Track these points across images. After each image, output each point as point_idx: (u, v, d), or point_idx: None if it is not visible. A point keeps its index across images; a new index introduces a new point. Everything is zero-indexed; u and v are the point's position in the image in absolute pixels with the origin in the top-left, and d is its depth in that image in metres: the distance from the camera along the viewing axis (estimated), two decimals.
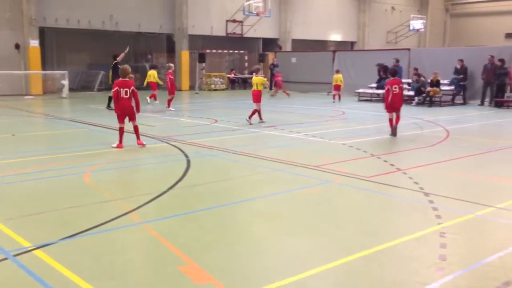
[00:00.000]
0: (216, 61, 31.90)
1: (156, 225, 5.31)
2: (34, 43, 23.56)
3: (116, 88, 9.65)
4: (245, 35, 30.96)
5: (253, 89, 13.82)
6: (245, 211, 5.96)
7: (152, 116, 15.35)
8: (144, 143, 9.96)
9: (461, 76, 20.00)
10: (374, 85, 22.59)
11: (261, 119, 13.79)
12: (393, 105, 11.68)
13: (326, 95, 24.90)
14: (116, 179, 7.68)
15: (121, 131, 9.80)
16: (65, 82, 22.77)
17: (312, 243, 4.83)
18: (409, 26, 38.59)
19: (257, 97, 13.65)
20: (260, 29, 31.47)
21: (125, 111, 9.78)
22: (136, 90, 9.86)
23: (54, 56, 27.41)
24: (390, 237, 4.95)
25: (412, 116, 15.51)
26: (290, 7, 32.83)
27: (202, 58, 28.57)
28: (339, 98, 21.49)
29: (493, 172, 8.14)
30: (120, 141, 9.76)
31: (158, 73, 19.94)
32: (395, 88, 11.66)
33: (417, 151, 9.97)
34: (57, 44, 27.35)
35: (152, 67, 19.99)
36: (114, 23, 25.76)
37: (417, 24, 39.20)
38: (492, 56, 19.17)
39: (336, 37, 36.62)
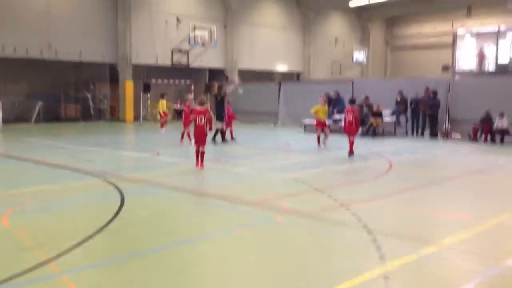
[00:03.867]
0: (162, 91, 31.30)
1: (76, 277, 4.75)
2: None
3: (193, 116, 11.09)
4: (191, 66, 30.70)
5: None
6: (177, 256, 5.49)
7: (92, 151, 14.60)
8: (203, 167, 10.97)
9: (402, 107, 20.49)
10: None
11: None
12: (347, 130, 13.68)
13: (273, 126, 24.88)
14: (39, 222, 6.99)
15: (197, 153, 11.10)
16: None
17: None
18: (352, 57, 39.71)
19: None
20: (206, 59, 31.34)
21: (200, 136, 11.05)
22: (210, 117, 11.19)
23: None
24: (334, 282, 4.64)
25: (356, 146, 15.55)
26: (236, 37, 33.01)
27: (147, 88, 28.01)
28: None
29: (434, 205, 8.08)
30: (197, 161, 11.03)
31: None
32: (350, 115, 13.65)
33: (361, 184, 9.86)
34: None
35: (162, 96, 20.43)
36: (53, 52, 24.85)
37: (359, 56, 40.44)
38: (427, 88, 19.79)
39: (282, 67, 37.08)
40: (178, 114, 30.52)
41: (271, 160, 13.17)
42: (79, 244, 5.65)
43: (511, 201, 8.30)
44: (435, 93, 19.55)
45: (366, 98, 20.20)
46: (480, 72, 35.35)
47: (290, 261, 5.32)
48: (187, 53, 30.07)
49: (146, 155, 13.41)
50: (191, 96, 17.79)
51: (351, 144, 13.55)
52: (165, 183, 9.33)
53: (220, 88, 17.80)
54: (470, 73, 35.65)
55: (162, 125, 20.27)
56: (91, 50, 26.23)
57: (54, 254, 5.28)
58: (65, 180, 9.31)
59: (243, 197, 8.20)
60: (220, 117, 16.60)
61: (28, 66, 25.74)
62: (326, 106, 16.36)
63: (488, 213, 7.41)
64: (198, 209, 7.59)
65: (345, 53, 40.48)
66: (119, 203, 7.65)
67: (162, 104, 20.37)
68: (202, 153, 11.14)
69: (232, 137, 17.34)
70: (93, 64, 27.12)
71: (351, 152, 13.48)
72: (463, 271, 5.10)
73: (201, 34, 29.33)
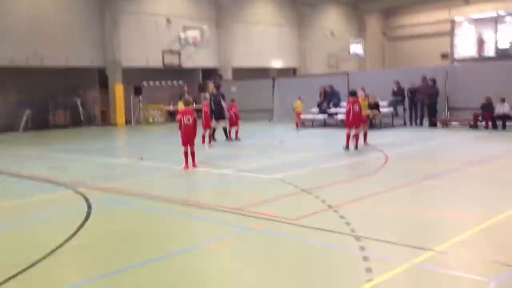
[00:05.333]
0: (154, 94, 30.63)
1: None
2: None
3: (180, 116, 10.80)
4: (183, 66, 30.00)
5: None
6: (135, 278, 4.79)
7: (72, 158, 13.92)
8: (197, 165, 10.80)
9: (399, 97, 19.75)
10: (315, 110, 22.04)
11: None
12: (353, 123, 12.86)
13: (269, 123, 24.18)
14: None
15: (186, 154, 10.80)
16: None
17: None
18: (348, 50, 38.93)
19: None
20: (199, 59, 30.62)
21: (188, 137, 10.75)
22: (196, 117, 10.90)
23: None
24: None
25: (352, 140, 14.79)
26: (229, 35, 32.27)
27: (138, 91, 27.37)
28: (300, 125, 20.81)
29: (430, 203, 7.34)
30: (186, 163, 10.78)
31: None
32: (355, 107, 12.93)
33: (353, 182, 9.15)
34: None
35: (180, 98, 19.72)
36: (39, 59, 24.17)
37: (356, 48, 39.64)
38: (425, 77, 19.06)
39: (277, 64, 36.32)
40: (171, 115, 29.87)
41: (261, 159, 12.46)
42: (22, 271, 4.95)
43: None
44: (433, 81, 18.80)
45: (362, 89, 19.38)
46: (480, 58, 34.61)
47: (261, 276, 4.61)
48: (178, 54, 29.36)
49: (129, 161, 12.72)
50: (207, 95, 17.08)
51: (357, 137, 13.13)
52: (141, 191, 8.63)
53: (217, 87, 17.21)
54: (469, 60, 34.97)
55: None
56: (78, 55, 25.56)
57: None
58: (31, 194, 8.63)
59: (224, 203, 7.50)
60: (218, 116, 16.06)
61: (15, 74, 25.06)
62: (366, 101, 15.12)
63: (490, 210, 6.68)
64: (172, 221, 6.88)
65: (341, 46, 39.65)
66: (82, 219, 6.93)
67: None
68: (193, 153, 10.92)
69: (236, 137, 16.66)
70: (81, 69, 26.45)
71: (356, 145, 13.07)
72: (461, 281, 4.39)
73: (192, 34, 28.60)
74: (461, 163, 10.65)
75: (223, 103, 16.40)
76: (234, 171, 10.54)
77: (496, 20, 36.37)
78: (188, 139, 10.89)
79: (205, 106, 15.84)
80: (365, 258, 4.96)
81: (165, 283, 4.59)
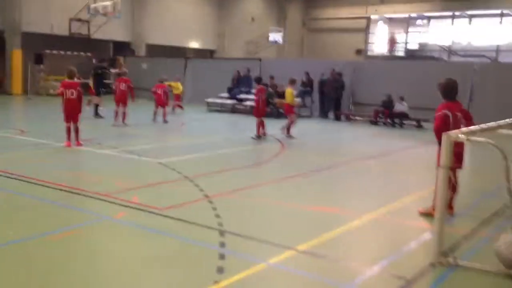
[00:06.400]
0: (58, 64, 28.52)
1: None
2: None
3: (61, 89, 9.93)
4: (92, 36, 28.19)
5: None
6: None
7: None
8: (82, 143, 10.12)
9: (308, 88, 19.84)
10: (225, 94, 21.63)
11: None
12: (261, 112, 12.78)
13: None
14: None
15: (68, 130, 10.08)
16: None
17: None
18: (268, 37, 38.82)
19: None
20: (110, 30, 28.89)
21: (71, 112, 10.00)
22: (81, 91, 10.13)
23: None
24: None
25: (253, 128, 14.53)
26: (144, 9, 30.77)
27: (39, 59, 25.33)
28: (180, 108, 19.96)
29: (310, 198, 7.16)
30: (68, 139, 10.03)
31: None
32: (262, 95, 12.73)
33: (240, 171, 8.82)
34: None
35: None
36: None
37: (276, 36, 39.65)
38: (334, 70, 19.30)
39: (195, 44, 35.35)
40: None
41: (154, 142, 11.84)
42: None
43: (394, 194, 7.58)
44: (340, 75, 19.08)
45: (271, 77, 19.25)
46: (391, 57, 36.03)
47: (87, 273, 4.08)
48: (87, 23, 27.51)
49: (6, 134, 11.52)
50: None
51: (262, 124, 12.79)
52: (5, 168, 7.69)
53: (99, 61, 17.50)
54: (381, 57, 36.29)
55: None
56: None
57: None
58: None
59: (92, 187, 6.82)
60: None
61: None
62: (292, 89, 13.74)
63: (366, 207, 6.61)
64: (23, 203, 6.11)
65: (261, 32, 39.44)
66: None
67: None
68: (77, 130, 10.17)
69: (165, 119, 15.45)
70: None
71: (264, 134, 12.82)
72: (308, 284, 4.15)
73: (104, 4, 26.89)
74: (351, 157, 10.72)
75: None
76: (118, 152, 9.84)
77: (408, 22, 38.07)
78: (70, 114, 10.03)
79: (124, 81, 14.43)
80: (221, 256, 4.59)
81: None
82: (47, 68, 26.46)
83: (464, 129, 4.99)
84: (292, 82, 13.58)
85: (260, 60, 23.07)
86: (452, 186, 5.67)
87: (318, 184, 8.07)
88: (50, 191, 6.63)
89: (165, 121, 15.29)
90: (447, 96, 6.23)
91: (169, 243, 5.01)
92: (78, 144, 10.09)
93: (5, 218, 5.56)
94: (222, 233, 5.23)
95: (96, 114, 16.08)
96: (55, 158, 9.13)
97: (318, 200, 6.92)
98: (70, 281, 4.00)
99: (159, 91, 15.80)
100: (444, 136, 4.54)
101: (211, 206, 6.24)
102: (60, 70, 27.92)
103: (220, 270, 4.27)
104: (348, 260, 4.65)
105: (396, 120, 17.69)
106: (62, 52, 27.35)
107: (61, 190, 6.66)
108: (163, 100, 15.71)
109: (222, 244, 4.90)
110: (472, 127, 5.16)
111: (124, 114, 14.08)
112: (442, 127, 5.70)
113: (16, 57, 24.64)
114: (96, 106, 16.37)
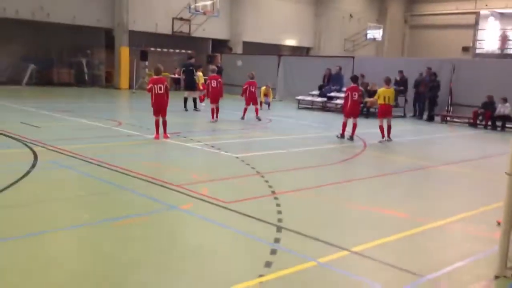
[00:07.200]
0: (161, 60, 30.23)
1: None
2: None
3: (150, 85, 10.51)
4: (193, 35, 29.52)
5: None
6: (18, 251, 4.58)
7: (53, 116, 13.78)
8: (169, 136, 10.70)
9: (401, 87, 19.10)
10: (316, 92, 21.54)
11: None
12: (351, 112, 12.08)
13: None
14: None
15: (157, 124, 10.69)
16: None
17: None
18: (366, 35, 37.93)
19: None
20: (210, 29, 30.07)
21: (160, 106, 10.58)
22: (168, 86, 10.84)
23: None
24: None
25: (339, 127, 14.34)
26: (242, 7, 31.55)
27: (144, 56, 26.98)
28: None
29: (382, 201, 6.94)
30: (157, 132, 10.65)
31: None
32: (354, 94, 12.01)
33: (314, 169, 8.78)
34: None
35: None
36: (45, 14, 23.93)
37: (374, 33, 38.59)
38: (429, 68, 18.38)
39: (290, 42, 35.56)
40: (175, 82, 29.58)
41: (236, 136, 12.16)
42: None
43: (472, 202, 7.12)
44: (434, 74, 18.14)
45: (362, 76, 18.80)
46: (502, 55, 33.42)
47: (142, 262, 4.35)
48: (188, 22, 28.86)
49: (105, 125, 12.52)
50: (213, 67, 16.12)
51: (355, 126, 12.08)
52: (95, 157, 8.40)
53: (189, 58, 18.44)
54: (491, 55, 33.79)
55: (201, 99, 18.22)
56: (86, 14, 25.23)
57: None
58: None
59: (167, 178, 7.23)
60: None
61: (20, 28, 24.93)
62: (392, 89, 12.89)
63: (439, 214, 6.30)
64: (103, 189, 6.65)
65: (359, 29, 38.64)
66: (18, 177, 6.76)
67: (200, 77, 18.79)
68: (165, 123, 10.73)
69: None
70: (88, 28, 26.18)
71: (353, 135, 12.11)
72: (350, 284, 4.08)
73: (204, 3, 28.03)
74: (438, 162, 10.18)
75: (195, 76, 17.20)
76: (201, 146, 10.26)
77: None
78: (159, 109, 10.65)
79: (215, 79, 14.69)
80: (273, 252, 4.67)
81: (49, 257, 4.38)
82: (150, 65, 28.14)
83: None
84: (388, 81, 12.66)
85: (353, 58, 22.60)
86: None
87: (393, 187, 7.81)
88: (130, 179, 7.14)
89: (258, 119, 15.19)
90: None
91: (224, 234, 5.20)
92: (166, 137, 10.69)
93: (85, 202, 6.10)
94: (279, 229, 5.30)
95: (195, 108, 17.19)
96: (142, 149, 9.76)
97: (387, 203, 6.71)
98: (125, 262, 4.32)
99: (252, 88, 15.54)
100: None
101: (276, 202, 6.33)
102: (163, 67, 29.66)
103: (268, 264, 4.35)
104: (400, 265, 4.49)
105: (498, 123, 16.44)
106: (165, 50, 28.95)
107: (140, 179, 7.14)
108: (254, 97, 15.51)
109: (277, 240, 4.98)
110: None
111: (217, 110, 14.36)
112: None
113: (124, 54, 26.55)
114: (194, 99, 17.25)
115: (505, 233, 4.27)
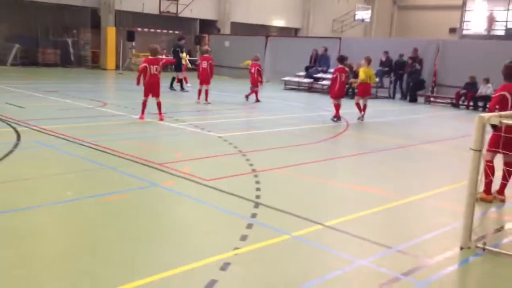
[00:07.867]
0: (149, 41, 30.00)
1: None
2: None
3: (145, 65, 10.40)
4: (180, 15, 29.31)
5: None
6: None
7: (37, 96, 13.77)
8: (163, 117, 10.72)
9: (386, 68, 19.27)
10: (302, 73, 21.63)
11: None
12: (340, 93, 12.12)
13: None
14: None
15: (144, 104, 10.65)
16: None
17: None
18: (354, 15, 37.88)
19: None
20: (197, 9, 29.85)
21: (153, 87, 10.51)
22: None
23: None
24: (152, 271, 3.82)
25: (326, 107, 14.49)
26: None
27: (131, 36, 26.76)
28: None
29: (357, 178, 7.14)
30: (143, 113, 10.65)
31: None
32: (342, 76, 12.03)
33: (295, 148, 8.93)
34: None
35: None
36: None
37: (363, 14, 38.55)
38: (416, 49, 18.54)
39: (279, 22, 35.43)
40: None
41: (221, 117, 12.26)
42: None
43: (445, 179, 7.34)
44: (414, 60, 18.34)
45: (345, 57, 18.86)
46: (488, 36, 33.57)
47: (117, 234, 4.50)
48: (176, 1, 28.61)
49: (88, 105, 12.55)
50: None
51: (338, 107, 12.10)
52: (78, 136, 8.48)
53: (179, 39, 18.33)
54: (478, 37, 33.93)
55: (186, 80, 17.99)
56: None
57: None
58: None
59: (149, 157, 7.35)
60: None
61: (6, 7, 24.58)
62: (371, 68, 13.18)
63: (412, 190, 6.52)
64: (84, 168, 6.75)
65: (348, 10, 38.53)
66: None
67: (184, 57, 18.58)
68: (159, 104, 10.73)
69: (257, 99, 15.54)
70: (73, 8, 25.88)
71: (337, 116, 12.12)
72: (325, 259, 4.26)
73: None
74: (418, 141, 10.38)
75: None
76: (185, 125, 10.37)
77: None
78: (151, 89, 10.56)
79: (206, 60, 14.28)
80: (249, 226, 4.84)
81: (37, 231, 4.51)
82: (137, 45, 27.97)
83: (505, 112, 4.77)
84: (369, 61, 12.94)
85: (340, 39, 22.67)
86: (486, 171, 5.45)
87: (370, 165, 8.00)
88: (114, 158, 7.25)
89: (257, 100, 15.31)
90: (507, 78, 6.01)
91: (203, 210, 5.36)
92: (161, 118, 10.65)
93: (68, 180, 6.21)
94: (257, 205, 5.47)
95: (182, 88, 17.35)
96: (126, 129, 9.84)
97: (364, 181, 6.89)
98: (110, 235, 4.47)
99: (253, 70, 15.57)
100: (476, 118, 4.40)
101: (255, 180, 6.49)
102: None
103: (244, 238, 4.52)
104: (371, 238, 4.69)
105: (480, 104, 16.71)
106: (152, 30, 28.73)
107: (123, 158, 7.25)
108: (255, 78, 15.48)
109: (254, 215, 5.14)
110: None
111: (206, 92, 14.23)
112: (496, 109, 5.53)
113: (110, 34, 26.33)
114: (180, 80, 17.36)
115: (469, 206, 4.47)
